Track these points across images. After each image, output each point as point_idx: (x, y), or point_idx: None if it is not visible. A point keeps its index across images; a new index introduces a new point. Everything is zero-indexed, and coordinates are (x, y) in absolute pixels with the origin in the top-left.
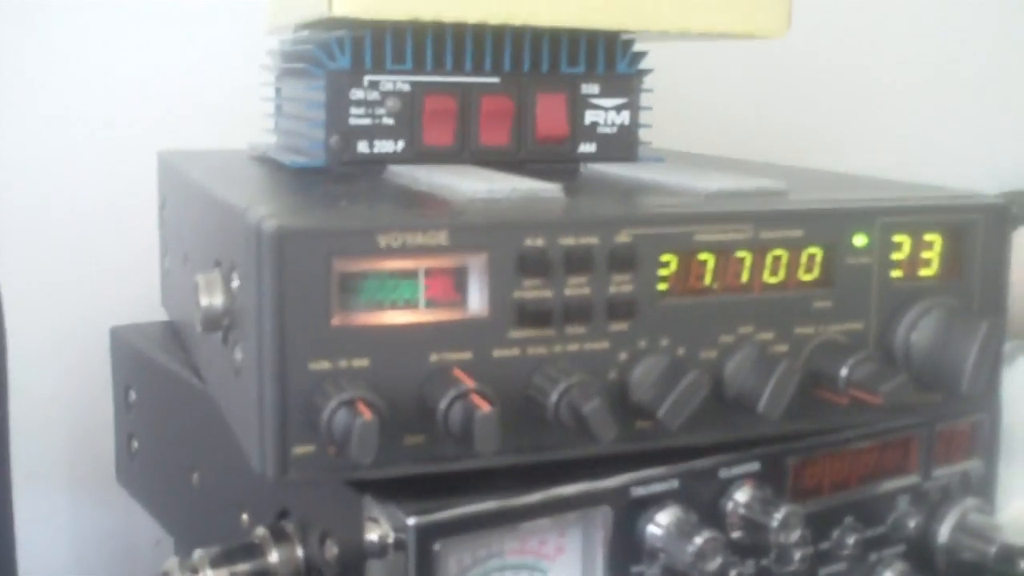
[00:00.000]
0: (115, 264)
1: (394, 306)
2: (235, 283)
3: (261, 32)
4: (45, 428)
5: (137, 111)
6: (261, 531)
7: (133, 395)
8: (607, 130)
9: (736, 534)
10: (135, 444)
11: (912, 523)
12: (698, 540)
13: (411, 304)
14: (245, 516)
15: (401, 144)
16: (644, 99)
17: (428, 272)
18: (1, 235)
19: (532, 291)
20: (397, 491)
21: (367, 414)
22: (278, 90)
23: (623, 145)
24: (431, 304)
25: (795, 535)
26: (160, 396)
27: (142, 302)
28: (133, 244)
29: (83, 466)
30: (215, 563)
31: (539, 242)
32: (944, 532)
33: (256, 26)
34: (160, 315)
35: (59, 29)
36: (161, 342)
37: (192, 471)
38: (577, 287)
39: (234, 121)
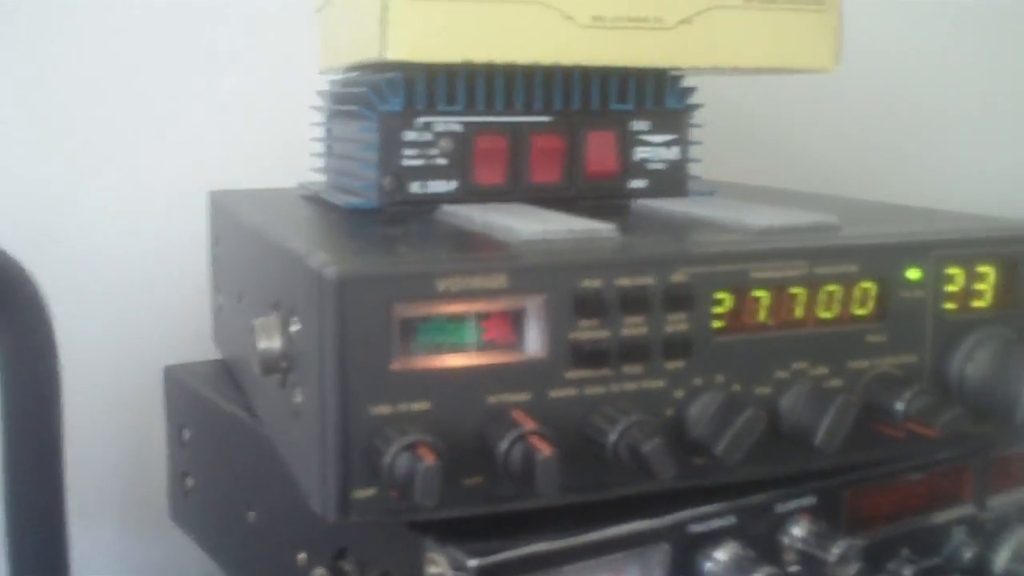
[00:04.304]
0: (167, 303)
1: (452, 349)
2: (294, 327)
3: (303, 74)
4: (99, 465)
5: (185, 151)
6: (320, 571)
7: (187, 434)
8: (657, 166)
9: (793, 568)
10: (189, 482)
11: (968, 553)
12: None
13: (469, 347)
14: (302, 555)
15: (453, 184)
16: (694, 134)
17: (486, 315)
18: (55, 275)
19: (588, 331)
20: (456, 532)
21: (429, 458)
22: (328, 130)
23: (673, 180)
24: (489, 346)
25: (853, 569)
26: (215, 435)
27: (194, 339)
28: (185, 282)
29: (135, 503)
30: None
31: (595, 283)
32: (1001, 562)
33: (294, 68)
34: (211, 352)
35: (108, 73)
36: (214, 381)
37: (248, 509)
38: (633, 327)
39: (280, 160)
